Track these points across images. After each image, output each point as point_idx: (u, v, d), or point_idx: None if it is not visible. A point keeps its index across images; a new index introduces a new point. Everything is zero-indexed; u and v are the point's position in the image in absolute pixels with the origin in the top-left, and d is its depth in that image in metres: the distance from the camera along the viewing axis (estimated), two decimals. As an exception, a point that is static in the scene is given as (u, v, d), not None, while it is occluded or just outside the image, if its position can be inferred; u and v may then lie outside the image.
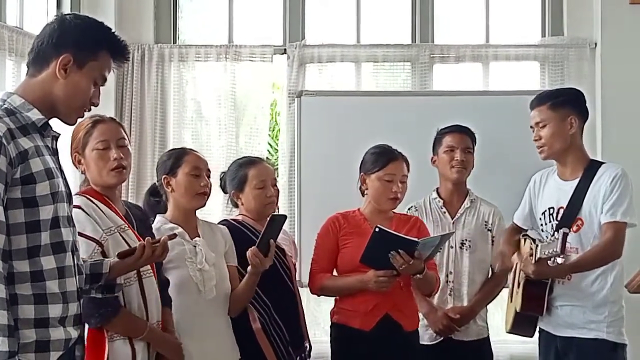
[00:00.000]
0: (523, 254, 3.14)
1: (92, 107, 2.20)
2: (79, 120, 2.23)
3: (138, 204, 3.09)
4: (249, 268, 3.02)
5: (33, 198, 1.98)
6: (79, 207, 2.54)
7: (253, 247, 2.99)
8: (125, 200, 3.06)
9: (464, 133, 3.64)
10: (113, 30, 2.20)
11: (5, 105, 2.05)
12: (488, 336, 3.67)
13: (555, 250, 2.83)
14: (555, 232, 2.97)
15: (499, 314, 4.96)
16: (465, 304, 3.53)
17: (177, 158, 3.04)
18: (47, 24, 2.15)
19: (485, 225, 3.60)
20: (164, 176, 3.03)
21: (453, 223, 3.57)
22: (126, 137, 2.74)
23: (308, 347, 3.35)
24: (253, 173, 3.26)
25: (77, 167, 2.73)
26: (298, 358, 3.27)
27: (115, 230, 2.60)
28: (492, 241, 3.60)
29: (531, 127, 3.23)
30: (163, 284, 2.80)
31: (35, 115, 2.06)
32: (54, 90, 2.09)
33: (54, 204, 2.02)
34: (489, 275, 3.64)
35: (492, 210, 3.63)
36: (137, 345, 2.60)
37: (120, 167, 2.66)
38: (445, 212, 3.59)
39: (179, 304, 2.86)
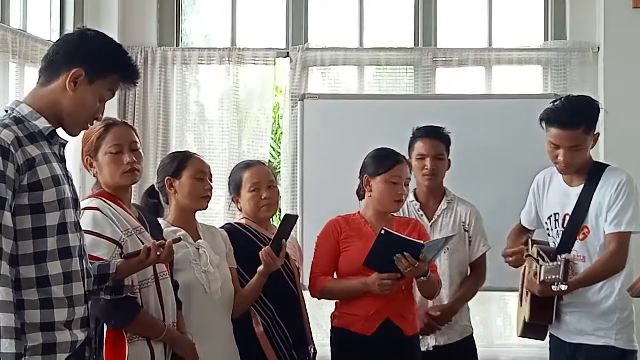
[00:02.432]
0: (528, 271, 3.13)
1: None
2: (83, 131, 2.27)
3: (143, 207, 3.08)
4: (260, 268, 3.03)
5: (40, 205, 2.01)
6: (97, 209, 2.55)
7: (267, 247, 3.01)
8: (136, 204, 3.06)
9: (435, 138, 3.57)
10: (129, 55, 2.25)
11: (14, 114, 2.09)
12: (472, 334, 3.66)
13: (557, 276, 2.83)
14: (559, 255, 2.95)
15: (500, 318, 4.97)
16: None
17: (182, 161, 3.05)
18: (67, 34, 2.21)
19: (463, 225, 3.58)
20: (167, 178, 3.03)
21: (431, 226, 3.55)
22: (138, 141, 2.75)
23: (313, 351, 3.33)
24: (247, 176, 3.26)
25: (88, 171, 2.73)
26: (301, 362, 3.26)
27: (133, 232, 2.61)
28: (470, 241, 3.58)
29: (552, 144, 3.05)
30: (174, 287, 2.80)
31: (42, 124, 2.09)
32: (61, 101, 2.12)
33: (60, 211, 2.05)
34: (468, 274, 3.64)
35: (469, 210, 3.60)
36: (156, 346, 2.61)
37: (134, 169, 2.66)
38: (422, 215, 3.57)
39: (187, 306, 2.87)
